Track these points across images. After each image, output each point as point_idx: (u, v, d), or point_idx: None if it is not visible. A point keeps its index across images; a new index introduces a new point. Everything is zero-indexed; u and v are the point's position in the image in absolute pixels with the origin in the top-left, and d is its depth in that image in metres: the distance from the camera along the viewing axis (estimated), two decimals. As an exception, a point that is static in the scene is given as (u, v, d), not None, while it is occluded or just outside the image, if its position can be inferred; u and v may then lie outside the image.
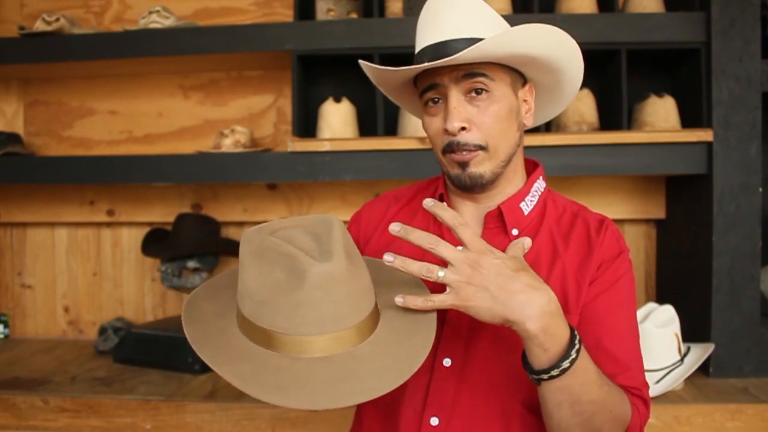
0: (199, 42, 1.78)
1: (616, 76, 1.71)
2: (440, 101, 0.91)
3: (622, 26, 1.67)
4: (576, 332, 0.78)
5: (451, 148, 0.90)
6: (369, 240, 1.05)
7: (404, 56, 1.01)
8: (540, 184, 1.00)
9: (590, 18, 1.69)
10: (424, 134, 1.72)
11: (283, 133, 2.07)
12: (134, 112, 2.12)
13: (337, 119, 1.79)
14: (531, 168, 1.03)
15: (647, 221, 1.99)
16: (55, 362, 1.84)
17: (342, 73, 1.94)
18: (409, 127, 1.77)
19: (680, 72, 1.83)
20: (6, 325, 2.15)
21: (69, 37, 1.83)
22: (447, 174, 0.95)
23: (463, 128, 0.88)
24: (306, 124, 1.88)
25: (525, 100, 0.96)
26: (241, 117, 2.08)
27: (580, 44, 0.92)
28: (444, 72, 0.88)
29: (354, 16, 1.85)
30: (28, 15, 2.13)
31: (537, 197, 0.98)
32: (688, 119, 1.73)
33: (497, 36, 0.83)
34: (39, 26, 1.83)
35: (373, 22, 1.73)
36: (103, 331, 1.97)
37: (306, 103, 1.90)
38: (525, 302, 0.74)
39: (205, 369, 1.71)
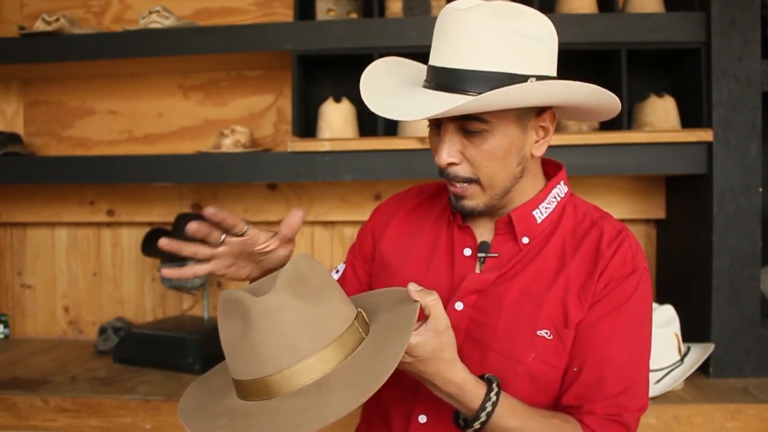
0: (199, 42, 1.78)
1: (616, 76, 1.71)
2: (439, 128, 0.89)
3: (622, 26, 1.66)
4: (493, 390, 0.81)
5: (445, 177, 0.90)
6: (382, 234, 1.06)
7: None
8: (560, 189, 0.96)
9: (590, 18, 1.68)
10: (424, 134, 1.74)
11: (283, 133, 2.07)
12: (134, 112, 2.12)
13: (337, 119, 1.79)
14: (552, 170, 0.98)
15: (647, 221, 1.99)
16: (55, 362, 1.84)
17: (342, 73, 1.93)
18: (409, 127, 1.77)
19: (680, 72, 1.83)
20: (6, 325, 2.15)
21: (69, 37, 1.83)
22: None
23: (453, 163, 0.87)
24: (306, 124, 1.88)
25: (541, 127, 0.90)
26: (241, 117, 2.08)
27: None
28: None
29: (354, 16, 1.85)
30: (28, 15, 2.13)
31: (554, 204, 0.94)
32: (688, 119, 1.73)
33: (507, 89, 0.78)
34: (39, 26, 1.83)
35: (373, 22, 1.73)
36: (103, 331, 1.97)
37: (306, 103, 1.90)
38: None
39: (205, 370, 1.71)
